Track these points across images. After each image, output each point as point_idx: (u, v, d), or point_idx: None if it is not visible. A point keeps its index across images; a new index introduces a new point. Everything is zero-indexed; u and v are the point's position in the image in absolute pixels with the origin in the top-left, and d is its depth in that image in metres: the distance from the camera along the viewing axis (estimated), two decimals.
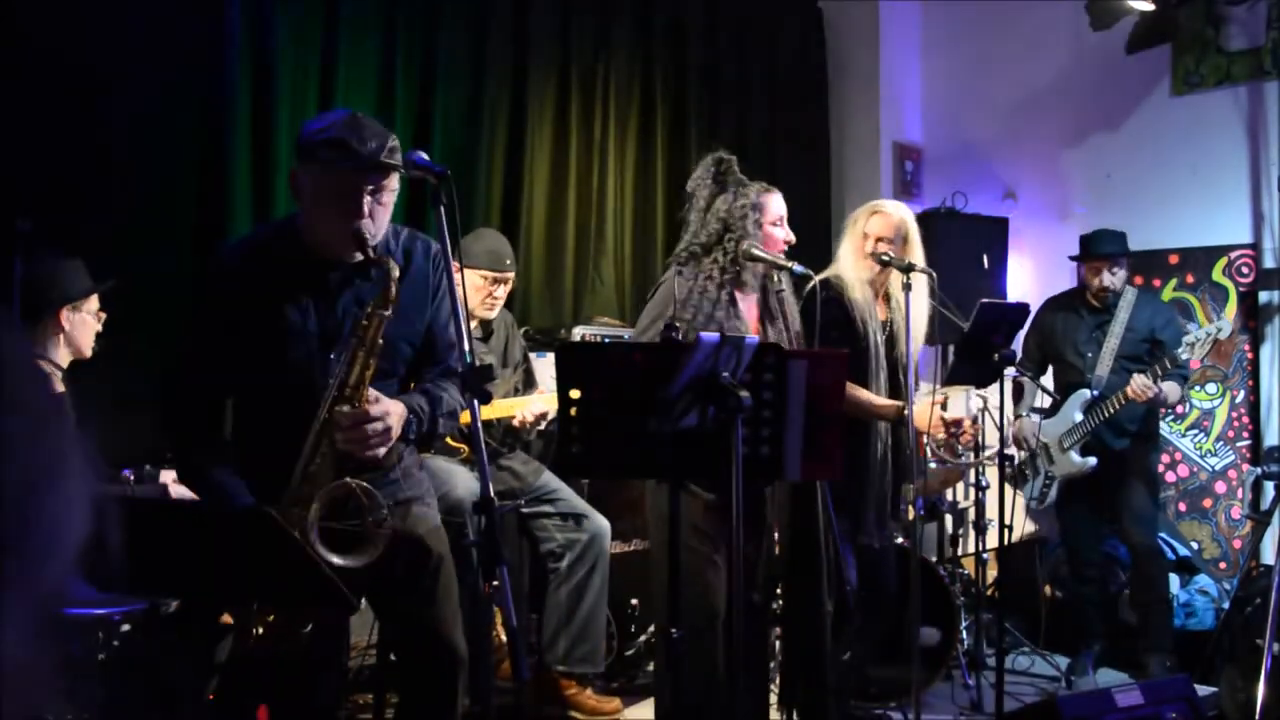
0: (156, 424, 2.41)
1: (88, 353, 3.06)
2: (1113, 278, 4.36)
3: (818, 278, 3.23)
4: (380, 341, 2.23)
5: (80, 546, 0.75)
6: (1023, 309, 3.51)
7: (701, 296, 3.00)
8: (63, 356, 3.00)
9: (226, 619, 2.41)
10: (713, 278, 3.03)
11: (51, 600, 0.73)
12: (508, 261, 3.73)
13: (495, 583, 2.07)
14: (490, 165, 4.69)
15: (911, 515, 3.53)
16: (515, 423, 3.70)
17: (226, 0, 3.83)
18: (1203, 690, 3.47)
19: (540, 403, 3.69)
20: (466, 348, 2.15)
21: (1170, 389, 4.25)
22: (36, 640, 0.70)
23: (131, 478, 3.12)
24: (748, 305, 3.10)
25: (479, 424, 2.11)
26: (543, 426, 3.81)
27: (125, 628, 2.87)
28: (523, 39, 4.81)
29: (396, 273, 2.24)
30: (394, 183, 2.29)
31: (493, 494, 2.09)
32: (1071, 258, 4.55)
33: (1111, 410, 4.23)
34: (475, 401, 2.12)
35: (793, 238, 3.20)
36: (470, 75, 4.64)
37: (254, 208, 3.91)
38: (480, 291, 3.69)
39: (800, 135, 5.79)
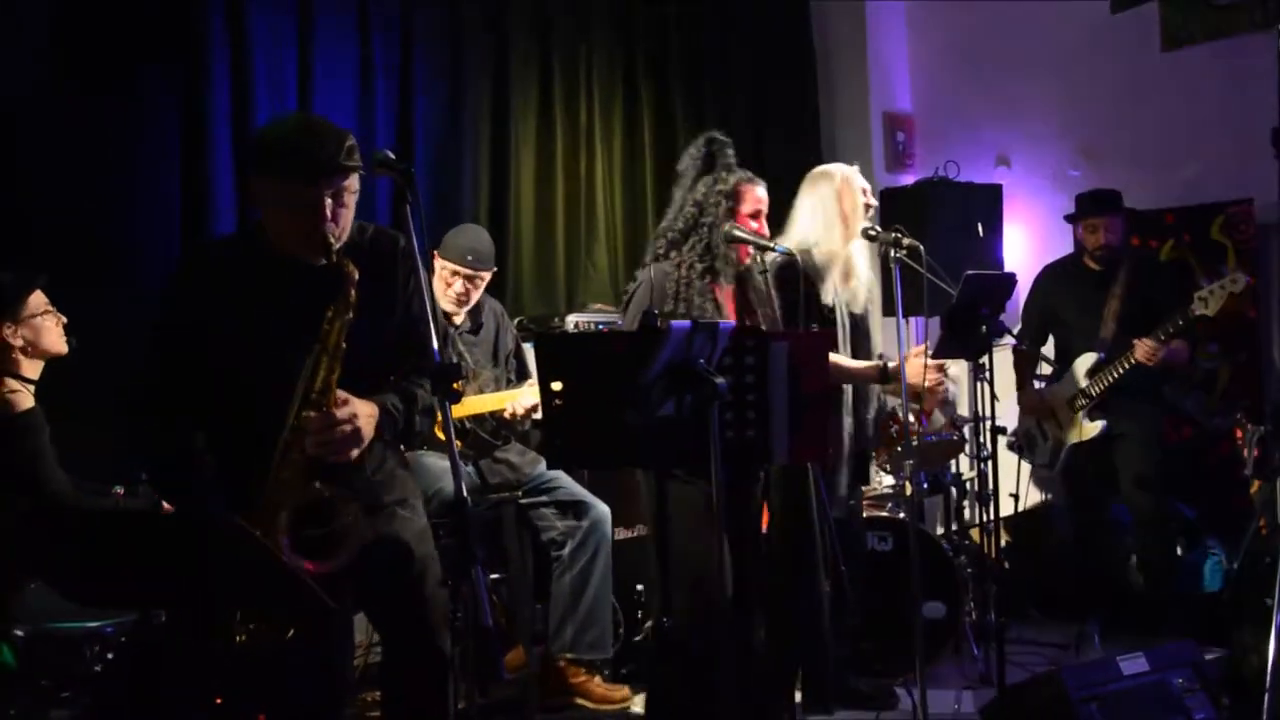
0: (122, 425, 2.40)
1: (63, 348, 3.00)
2: (1109, 235, 4.31)
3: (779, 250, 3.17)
4: (344, 345, 2.21)
5: None
6: (1009, 279, 3.47)
7: (686, 287, 2.96)
8: (29, 369, 2.95)
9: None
10: (693, 267, 2.99)
11: None
12: (470, 259, 3.69)
13: (474, 578, 2.06)
14: (475, 157, 4.67)
15: (909, 490, 3.52)
16: (506, 415, 3.70)
17: (205, 1, 3.82)
18: (1211, 653, 3.44)
19: (531, 395, 3.67)
20: (435, 345, 2.13)
21: (1179, 348, 4.19)
22: None
23: (122, 492, 3.10)
24: (725, 294, 3.06)
25: (450, 423, 2.09)
26: (536, 418, 3.80)
27: (120, 640, 2.89)
28: (503, 25, 4.78)
29: (356, 276, 2.21)
30: (355, 184, 2.26)
31: (468, 492, 2.08)
32: (1067, 217, 4.51)
33: (1118, 373, 4.19)
34: (445, 402, 2.10)
35: (766, 233, 3.14)
36: (451, 66, 4.62)
37: (237, 210, 3.90)
38: (444, 283, 3.67)
39: (789, 108, 5.73)
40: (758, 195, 3.10)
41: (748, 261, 3.08)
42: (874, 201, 3.53)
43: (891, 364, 3.32)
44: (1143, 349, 4.10)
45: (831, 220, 3.41)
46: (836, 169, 3.55)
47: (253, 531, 1.98)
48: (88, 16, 3.62)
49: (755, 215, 3.09)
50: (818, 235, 3.41)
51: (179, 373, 2.31)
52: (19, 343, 2.93)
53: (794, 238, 3.44)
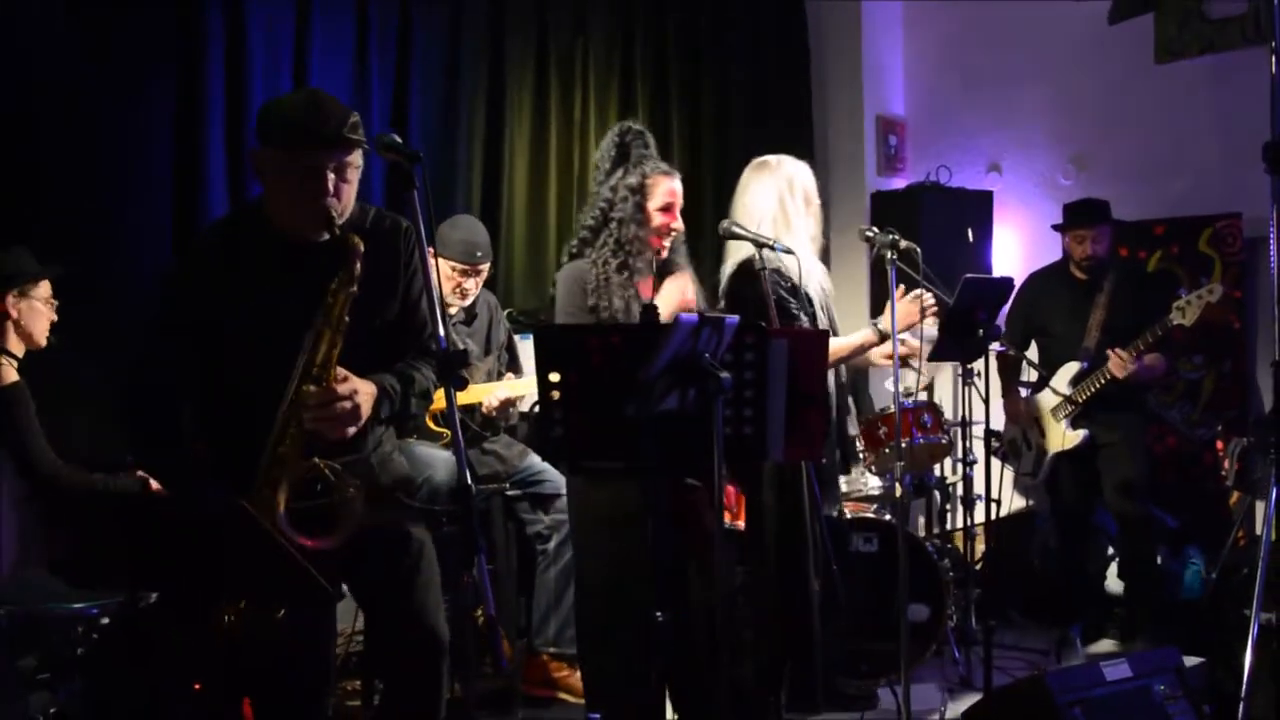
0: (117, 413, 2.38)
1: (42, 341, 3.06)
2: (1096, 246, 4.35)
3: (778, 248, 3.08)
4: (347, 319, 2.20)
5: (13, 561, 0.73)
6: (1006, 283, 3.50)
7: (604, 283, 2.91)
8: (15, 345, 3.00)
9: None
10: (608, 264, 2.94)
11: None
12: (479, 254, 3.70)
13: (475, 568, 2.06)
14: (469, 148, 4.66)
15: (899, 492, 3.53)
16: (484, 409, 3.69)
17: None
18: (1191, 660, 3.47)
19: (504, 389, 3.69)
20: (441, 332, 2.12)
21: (1154, 362, 4.23)
22: None
23: (104, 478, 3.08)
24: (644, 285, 3.01)
25: (455, 410, 2.08)
26: (512, 410, 3.80)
27: (104, 621, 2.87)
28: (499, 18, 4.78)
29: (361, 248, 2.20)
30: (358, 159, 2.26)
31: (470, 480, 2.07)
32: (1054, 227, 4.54)
33: (1100, 383, 4.23)
34: (450, 388, 2.09)
35: (680, 226, 3.01)
36: (447, 56, 4.61)
37: (230, 194, 3.89)
38: (450, 281, 3.67)
39: (784, 110, 5.76)
40: (670, 188, 2.99)
41: (665, 253, 3.03)
42: (816, 200, 3.34)
43: (882, 322, 3.25)
44: (1115, 362, 4.14)
45: (779, 216, 3.23)
46: (778, 161, 3.35)
47: (256, 514, 1.97)
48: (88, 4, 3.59)
49: (667, 209, 2.99)
50: (783, 233, 3.23)
51: (179, 356, 2.30)
52: (15, 315, 2.98)
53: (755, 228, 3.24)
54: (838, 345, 3.25)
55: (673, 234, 3.03)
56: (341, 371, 2.20)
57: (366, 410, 2.23)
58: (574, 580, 3.53)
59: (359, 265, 2.19)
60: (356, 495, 2.18)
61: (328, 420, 2.17)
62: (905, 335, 3.31)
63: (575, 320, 2.93)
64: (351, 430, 2.22)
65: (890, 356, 3.25)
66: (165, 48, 3.78)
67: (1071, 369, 4.35)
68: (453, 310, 3.75)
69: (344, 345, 2.21)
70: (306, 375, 2.17)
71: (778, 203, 3.23)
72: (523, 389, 3.70)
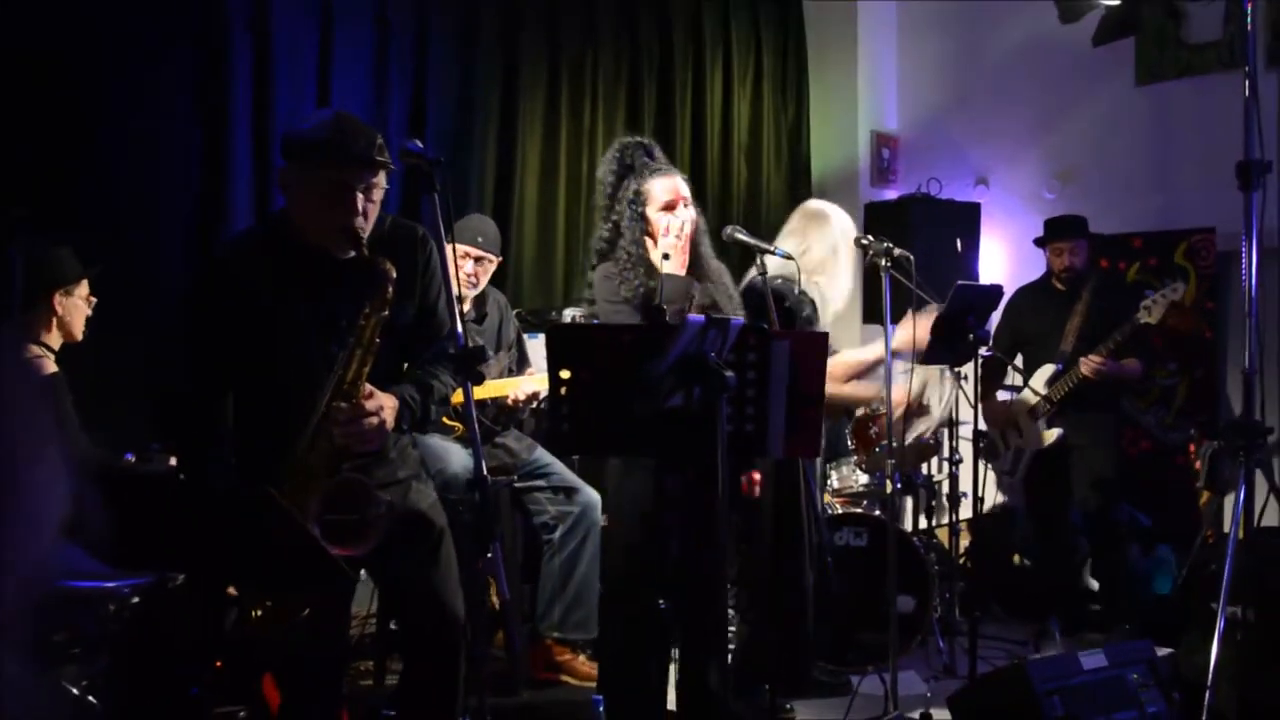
0: (153, 426, 2.45)
1: (79, 335, 3.17)
2: (1074, 259, 4.52)
3: (779, 253, 3.25)
4: (377, 340, 2.29)
5: (58, 528, 0.84)
6: (996, 290, 3.64)
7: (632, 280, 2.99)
8: (54, 339, 3.12)
9: (231, 592, 2.47)
10: (624, 273, 3.00)
11: (33, 579, 0.81)
12: (480, 240, 3.79)
13: (489, 555, 2.18)
14: (483, 153, 4.78)
15: (889, 489, 3.68)
16: (509, 402, 3.82)
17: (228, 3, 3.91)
18: (1162, 652, 3.63)
19: (531, 383, 3.80)
20: (459, 330, 2.22)
21: (1130, 365, 4.40)
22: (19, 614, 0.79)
23: (134, 459, 3.21)
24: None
25: (472, 405, 2.20)
26: (535, 405, 3.93)
27: (134, 600, 2.98)
28: (513, 27, 4.90)
29: (394, 273, 2.28)
30: (383, 180, 2.34)
31: (486, 471, 2.18)
32: (1036, 241, 4.71)
33: (1073, 383, 4.39)
34: (469, 384, 2.21)
35: (691, 216, 3.02)
36: (462, 62, 4.73)
37: (254, 195, 3.99)
38: (458, 267, 3.76)
39: (782, 123, 5.92)
40: (667, 186, 3.01)
41: (686, 251, 3.07)
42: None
43: (893, 343, 3.41)
44: (1087, 365, 4.30)
45: (828, 261, 3.55)
46: (834, 212, 3.68)
47: (283, 502, 2.05)
48: (113, 16, 3.68)
49: (669, 207, 3.00)
50: (827, 270, 3.54)
51: (211, 366, 2.39)
52: (60, 312, 3.09)
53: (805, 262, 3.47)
54: (853, 357, 3.45)
55: (684, 230, 3.00)
56: (368, 388, 2.29)
57: (391, 424, 2.33)
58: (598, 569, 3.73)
59: (391, 290, 2.28)
60: (385, 512, 2.28)
61: (356, 435, 2.27)
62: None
63: (619, 310, 3.00)
64: (377, 444, 2.34)
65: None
66: (194, 59, 3.89)
67: (1047, 371, 4.50)
68: (465, 306, 3.87)
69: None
70: (338, 392, 2.27)
71: (830, 250, 3.57)
72: (545, 383, 3.82)
